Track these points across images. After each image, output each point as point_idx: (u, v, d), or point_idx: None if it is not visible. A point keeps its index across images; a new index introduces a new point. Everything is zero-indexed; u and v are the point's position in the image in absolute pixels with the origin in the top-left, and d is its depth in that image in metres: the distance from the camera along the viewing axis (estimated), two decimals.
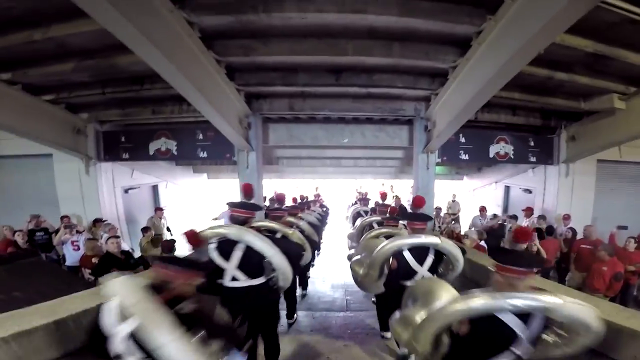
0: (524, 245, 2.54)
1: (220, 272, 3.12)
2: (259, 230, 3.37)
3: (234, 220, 3.29)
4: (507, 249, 2.70)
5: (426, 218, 3.77)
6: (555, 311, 1.82)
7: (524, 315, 1.91)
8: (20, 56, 5.10)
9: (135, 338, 1.72)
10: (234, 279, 3.13)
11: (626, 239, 5.77)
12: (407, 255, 3.39)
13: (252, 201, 3.85)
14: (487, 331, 1.95)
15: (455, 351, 2.08)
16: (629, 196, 8.61)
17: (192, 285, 2.01)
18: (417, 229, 3.54)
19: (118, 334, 1.76)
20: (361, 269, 3.86)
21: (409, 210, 6.77)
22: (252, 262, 3.13)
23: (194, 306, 1.95)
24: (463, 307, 1.93)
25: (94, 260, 5.00)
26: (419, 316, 2.21)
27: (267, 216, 4.81)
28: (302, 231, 4.66)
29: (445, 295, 2.21)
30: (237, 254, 3.10)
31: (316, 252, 7.03)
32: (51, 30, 4.41)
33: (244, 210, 3.33)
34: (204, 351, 1.74)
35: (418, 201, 4.88)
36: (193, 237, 2.79)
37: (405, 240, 3.42)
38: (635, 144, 7.49)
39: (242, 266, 3.12)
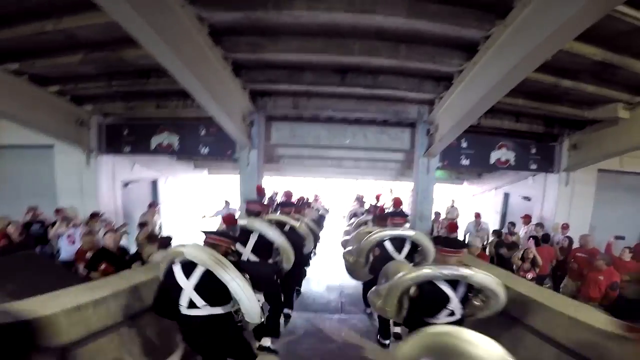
0: (455, 234, 4.14)
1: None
2: (270, 222, 4.14)
3: (250, 213, 4.07)
4: (443, 237, 3.88)
5: (404, 215, 4.75)
6: (469, 278, 2.57)
7: (453, 283, 2.63)
8: (29, 47, 5.10)
9: (198, 288, 2.49)
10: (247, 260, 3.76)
11: (622, 249, 5.78)
12: (388, 245, 3.99)
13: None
14: (429, 294, 2.65)
15: (412, 312, 2.81)
16: (628, 206, 8.59)
17: (231, 248, 2.86)
18: (396, 223, 4.25)
19: (186, 287, 2.49)
20: (351, 258, 4.57)
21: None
22: (263, 247, 3.80)
23: (233, 259, 2.75)
24: (413, 275, 2.69)
25: (88, 254, 4.93)
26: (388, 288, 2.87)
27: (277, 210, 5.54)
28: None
29: (405, 270, 2.83)
30: (252, 240, 3.77)
31: (312, 253, 7.44)
32: (63, 22, 4.42)
33: (258, 205, 4.21)
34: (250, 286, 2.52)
35: (397, 202, 5.94)
36: (231, 218, 3.72)
37: (386, 232, 4.07)
38: (636, 154, 7.47)
39: (255, 250, 3.77)
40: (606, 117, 6.50)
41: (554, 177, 8.24)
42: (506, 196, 10.93)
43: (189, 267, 2.50)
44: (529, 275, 5.55)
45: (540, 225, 7.57)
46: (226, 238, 2.79)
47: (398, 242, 3.96)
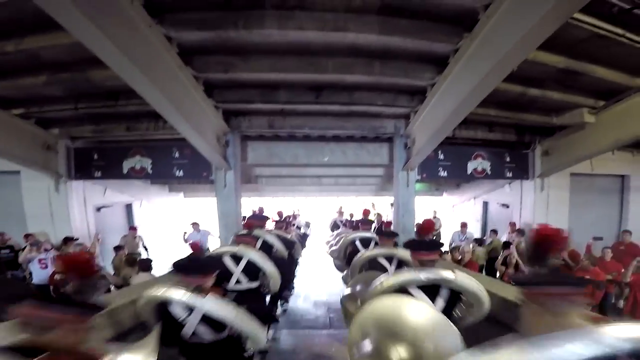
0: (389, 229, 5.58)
1: None
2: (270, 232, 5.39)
3: (255, 225, 4.96)
4: (383, 230, 5.29)
5: (370, 222, 6.69)
6: (396, 255, 3.76)
7: (389, 259, 3.78)
8: None
9: (244, 271, 3.60)
10: None
11: (602, 249, 5.89)
12: (358, 243, 5.11)
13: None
14: (374, 266, 3.73)
15: None
16: (601, 208, 8.91)
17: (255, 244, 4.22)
18: (364, 228, 5.74)
19: (236, 271, 3.57)
20: (334, 256, 6.28)
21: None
22: (265, 250, 4.53)
23: None
24: (365, 255, 3.99)
25: (57, 277, 4.71)
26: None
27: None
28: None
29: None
30: (258, 244, 4.57)
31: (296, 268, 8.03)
32: (24, 42, 4.31)
33: (260, 221, 5.46)
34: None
35: (365, 212, 7.54)
36: (251, 224, 4.68)
37: (356, 234, 5.38)
38: (606, 157, 7.78)
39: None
40: (573, 122, 6.74)
41: (530, 183, 8.44)
42: (485, 204, 11.10)
43: (237, 258, 3.63)
44: None
45: (520, 231, 7.67)
46: (252, 239, 4.17)
47: (366, 241, 5.11)
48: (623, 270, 5.43)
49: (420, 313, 1.84)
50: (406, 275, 2.41)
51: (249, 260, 3.62)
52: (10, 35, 4.25)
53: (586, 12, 3.87)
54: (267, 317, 3.66)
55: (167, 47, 3.91)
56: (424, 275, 2.34)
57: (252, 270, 3.67)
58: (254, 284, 3.71)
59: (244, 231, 4.58)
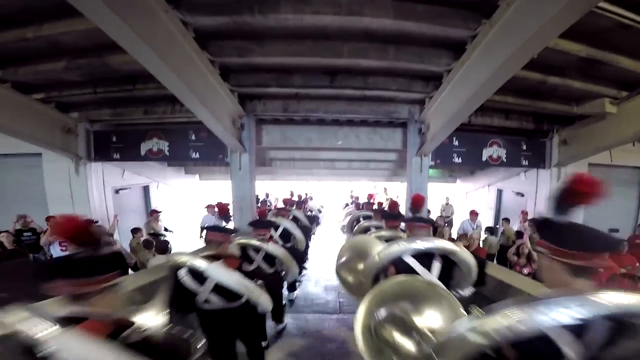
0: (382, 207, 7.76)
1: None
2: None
3: (290, 203, 7.36)
4: (376, 209, 6.97)
5: (372, 204, 8.46)
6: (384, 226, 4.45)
7: (378, 227, 4.68)
8: (12, 54, 5.03)
9: (280, 236, 5.00)
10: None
11: None
12: (361, 219, 6.26)
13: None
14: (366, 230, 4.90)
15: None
16: (619, 200, 8.69)
17: (289, 215, 5.94)
18: (367, 209, 7.30)
19: (275, 235, 4.81)
20: (344, 231, 7.72)
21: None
22: (295, 222, 5.88)
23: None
24: (364, 225, 5.33)
25: None
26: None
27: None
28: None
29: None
30: (291, 216, 6.13)
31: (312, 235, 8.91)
32: (44, 29, 4.37)
33: (292, 200, 7.57)
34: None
35: (369, 196, 9.84)
36: (287, 201, 6.62)
37: (361, 213, 6.86)
38: (625, 148, 7.58)
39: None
40: (594, 112, 6.56)
41: (546, 172, 8.30)
42: (499, 192, 10.98)
43: (276, 226, 4.93)
44: (525, 271, 5.54)
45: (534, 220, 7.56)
46: (286, 212, 5.80)
47: (367, 217, 6.17)
48: (638, 264, 5.36)
49: (373, 244, 3.43)
50: (378, 233, 4.06)
51: (284, 228, 5.05)
52: (29, 22, 4.32)
53: (611, 1, 3.73)
54: (300, 260, 4.99)
55: (183, 32, 3.94)
56: (385, 233, 4.00)
57: (286, 235, 5.09)
58: (287, 245, 4.84)
59: (283, 206, 6.85)
